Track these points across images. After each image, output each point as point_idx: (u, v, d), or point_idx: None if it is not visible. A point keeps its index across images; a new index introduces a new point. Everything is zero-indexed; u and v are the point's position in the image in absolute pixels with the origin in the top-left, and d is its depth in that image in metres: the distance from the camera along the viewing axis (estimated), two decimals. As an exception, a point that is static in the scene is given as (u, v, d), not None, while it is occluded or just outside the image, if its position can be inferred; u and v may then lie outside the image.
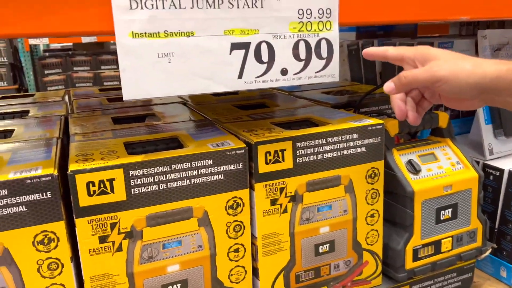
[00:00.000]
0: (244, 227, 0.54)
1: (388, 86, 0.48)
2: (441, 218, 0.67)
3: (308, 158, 0.57)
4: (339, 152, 0.59)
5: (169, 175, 0.49)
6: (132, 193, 0.48)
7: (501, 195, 0.78)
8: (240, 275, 0.56)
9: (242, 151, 0.52)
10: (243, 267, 0.56)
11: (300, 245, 0.59)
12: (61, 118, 0.70)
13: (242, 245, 0.55)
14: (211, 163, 0.51)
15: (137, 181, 0.48)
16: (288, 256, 0.58)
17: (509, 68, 0.42)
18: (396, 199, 0.66)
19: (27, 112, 0.77)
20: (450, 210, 0.68)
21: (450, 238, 0.68)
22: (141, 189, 0.48)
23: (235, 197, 0.53)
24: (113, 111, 0.75)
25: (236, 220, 0.54)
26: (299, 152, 0.56)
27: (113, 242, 0.48)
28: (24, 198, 0.44)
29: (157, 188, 0.49)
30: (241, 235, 0.54)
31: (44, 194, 0.44)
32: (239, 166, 0.52)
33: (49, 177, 0.44)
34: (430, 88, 0.49)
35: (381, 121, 0.62)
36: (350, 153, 0.59)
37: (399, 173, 0.65)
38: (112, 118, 0.69)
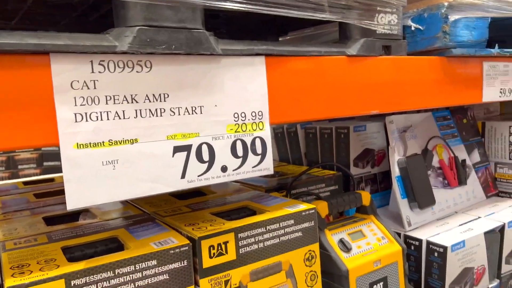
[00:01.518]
0: (191, 325, 0.54)
1: None
2: (375, 293, 0.71)
3: (250, 247, 0.59)
4: (278, 239, 0.62)
5: (112, 280, 0.48)
6: (74, 304, 0.46)
7: (423, 264, 0.85)
8: None
9: (186, 248, 0.53)
10: None
11: (247, 337, 0.59)
12: (-16, 222, 0.66)
13: None
14: (156, 263, 0.51)
15: (79, 290, 0.46)
16: None
17: None
18: (333, 278, 0.69)
19: None
20: (381, 283, 0.72)
21: (385, 311, 0.72)
22: (84, 298, 0.46)
23: (180, 295, 0.53)
24: (43, 209, 0.72)
25: (183, 320, 0.53)
26: (241, 242, 0.58)
27: None
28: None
29: (100, 296, 0.47)
30: (188, 335, 0.53)
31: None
32: (183, 263, 0.53)
33: (-18, 297, 0.41)
34: None
35: (313, 206, 0.67)
36: (288, 239, 0.63)
37: (333, 253, 0.69)
38: (43, 219, 0.66)
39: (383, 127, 1.06)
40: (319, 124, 1.09)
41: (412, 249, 0.88)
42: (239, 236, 0.58)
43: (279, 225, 0.62)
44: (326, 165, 1.02)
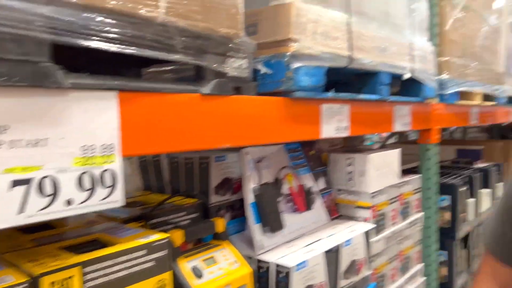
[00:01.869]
0: None
1: None
2: (225, 315, 0.76)
3: (98, 281, 0.59)
4: (128, 270, 0.63)
5: None
6: None
7: (273, 285, 0.93)
8: None
9: (25, 285, 0.51)
10: None
11: None
12: None
13: None
14: (-14, 305, 0.48)
15: None
16: None
17: None
18: (185, 305, 0.72)
19: None
20: (232, 306, 0.77)
21: (234, 332, 0.77)
22: None
23: (15, 337, 0.50)
24: None
25: None
26: (88, 276, 0.58)
27: None
28: None
29: None
30: None
31: None
32: (20, 303, 0.51)
33: None
34: None
35: (167, 235, 0.69)
36: (139, 270, 0.64)
37: (184, 281, 0.72)
38: None
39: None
40: (183, 154, 1.12)
41: (264, 271, 0.95)
42: (85, 271, 0.57)
43: (129, 256, 0.63)
44: (187, 194, 1.06)
